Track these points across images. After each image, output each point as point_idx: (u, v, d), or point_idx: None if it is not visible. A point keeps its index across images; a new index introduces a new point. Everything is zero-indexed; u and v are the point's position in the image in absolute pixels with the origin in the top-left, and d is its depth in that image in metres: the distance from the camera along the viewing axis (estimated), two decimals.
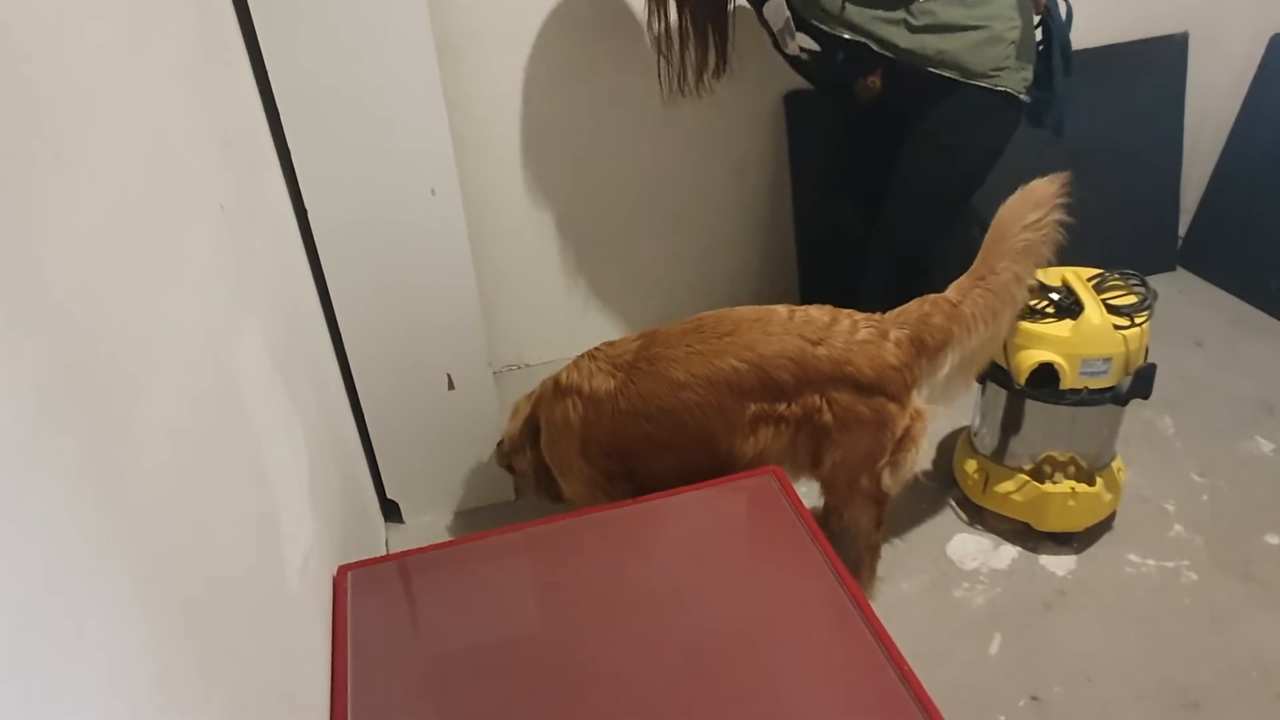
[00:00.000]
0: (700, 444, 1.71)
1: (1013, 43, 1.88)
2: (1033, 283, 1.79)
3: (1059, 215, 1.69)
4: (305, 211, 1.82)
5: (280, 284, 1.58)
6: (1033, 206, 1.70)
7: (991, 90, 1.89)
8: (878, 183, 2.15)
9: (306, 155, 1.77)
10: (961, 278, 1.75)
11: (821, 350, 1.64)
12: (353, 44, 1.70)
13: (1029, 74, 1.92)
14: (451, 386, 2.10)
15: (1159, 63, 2.84)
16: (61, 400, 0.63)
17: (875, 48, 1.87)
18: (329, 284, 1.90)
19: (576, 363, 1.82)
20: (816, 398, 1.65)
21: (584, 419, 1.77)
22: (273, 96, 1.70)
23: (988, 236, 1.74)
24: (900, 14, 1.84)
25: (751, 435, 1.69)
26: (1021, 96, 1.92)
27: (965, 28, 1.85)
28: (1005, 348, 1.91)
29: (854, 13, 1.85)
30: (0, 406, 0.54)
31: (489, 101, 2.42)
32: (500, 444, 2.05)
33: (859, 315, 1.70)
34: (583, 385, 1.77)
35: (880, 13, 1.84)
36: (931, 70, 1.87)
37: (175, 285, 0.97)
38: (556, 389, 1.82)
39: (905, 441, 1.71)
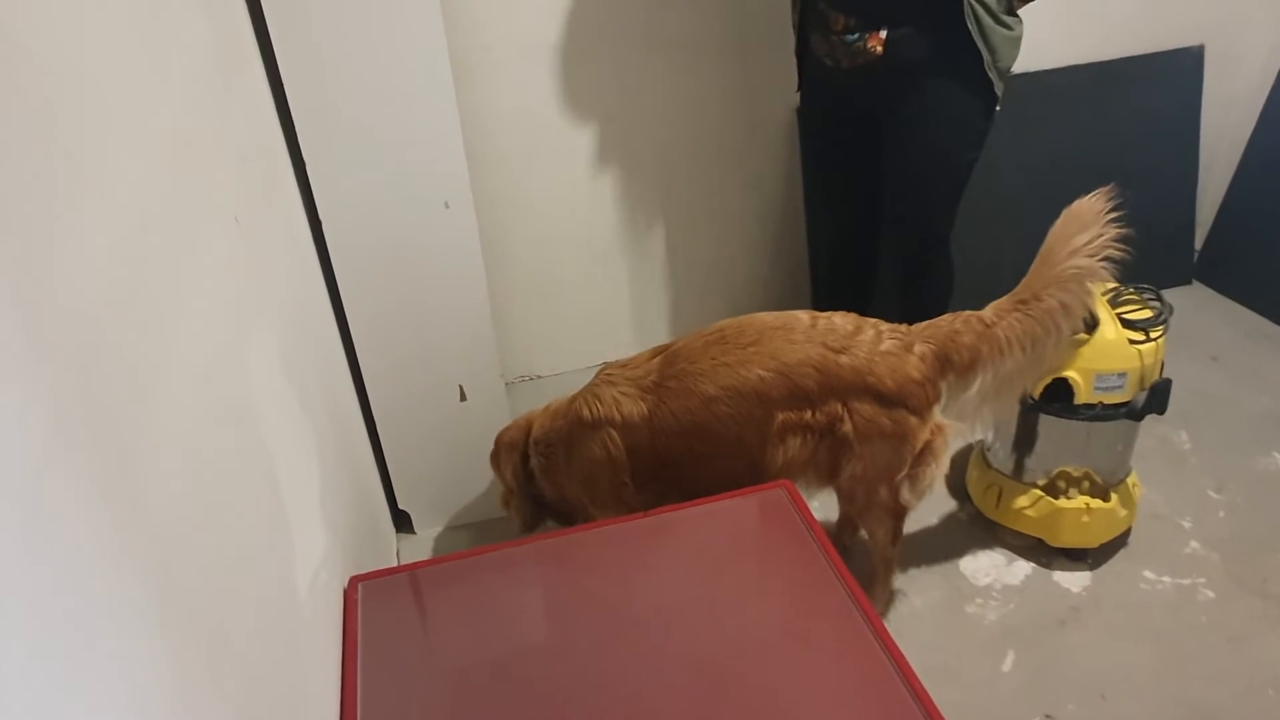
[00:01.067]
0: (737, 454, 1.71)
1: (1014, 58, 1.93)
2: (1085, 313, 1.71)
3: (1111, 232, 1.63)
4: (320, 224, 1.83)
5: (294, 295, 1.59)
6: (1079, 229, 1.63)
7: (977, 88, 1.91)
8: (870, 192, 2.19)
9: (322, 169, 1.78)
10: (1002, 299, 1.71)
11: (844, 359, 1.64)
12: (369, 59, 1.71)
13: (1001, 89, 1.95)
14: (464, 398, 2.10)
15: (1175, 76, 2.83)
16: (76, 413, 0.64)
17: None
18: (343, 295, 1.91)
19: (595, 393, 1.78)
20: (839, 406, 1.65)
21: (627, 449, 1.74)
22: (289, 110, 1.72)
23: (1036, 260, 1.69)
24: None
25: (781, 444, 1.69)
26: (997, 107, 1.95)
27: (1007, 24, 1.88)
28: None
29: None
30: (16, 420, 0.55)
31: (501, 115, 2.43)
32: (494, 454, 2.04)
33: (884, 325, 1.70)
34: (613, 415, 1.74)
35: None
36: (969, 33, 1.83)
37: (189, 297, 0.98)
38: (582, 424, 1.78)
39: (925, 455, 1.70)
